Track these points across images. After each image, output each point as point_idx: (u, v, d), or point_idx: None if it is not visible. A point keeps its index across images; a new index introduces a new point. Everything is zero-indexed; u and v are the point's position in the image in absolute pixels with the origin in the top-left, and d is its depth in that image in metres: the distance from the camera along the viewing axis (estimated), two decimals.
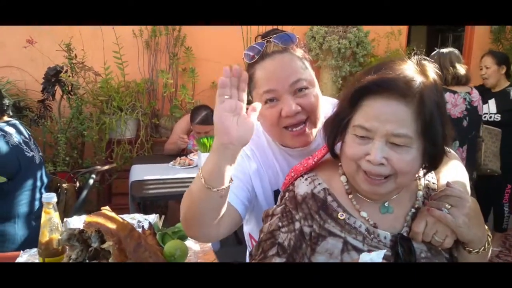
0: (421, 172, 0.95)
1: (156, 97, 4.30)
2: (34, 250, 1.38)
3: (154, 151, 4.12)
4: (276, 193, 1.19)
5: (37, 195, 2.23)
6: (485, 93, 3.34)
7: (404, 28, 4.82)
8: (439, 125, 0.88)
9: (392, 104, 0.85)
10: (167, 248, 1.40)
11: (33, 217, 2.18)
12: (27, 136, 2.27)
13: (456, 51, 2.93)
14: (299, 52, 1.11)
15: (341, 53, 4.20)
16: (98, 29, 3.84)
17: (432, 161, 0.92)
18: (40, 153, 2.36)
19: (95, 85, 3.88)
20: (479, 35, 5.17)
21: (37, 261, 1.35)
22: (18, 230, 2.11)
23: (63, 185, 2.50)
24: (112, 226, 1.11)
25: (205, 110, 3.22)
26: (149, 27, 4.13)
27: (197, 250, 1.53)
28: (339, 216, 0.93)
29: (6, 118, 2.21)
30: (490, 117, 3.33)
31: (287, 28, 1.20)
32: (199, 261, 1.48)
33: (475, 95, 2.88)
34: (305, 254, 0.92)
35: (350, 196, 0.95)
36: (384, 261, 0.86)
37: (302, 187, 0.97)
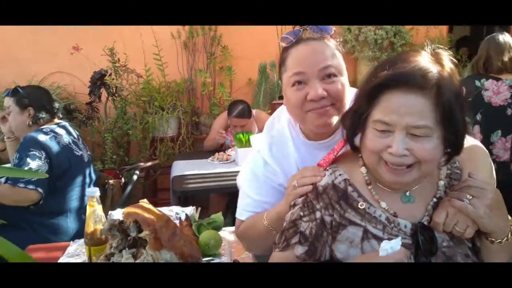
0: (442, 160, 0.95)
1: (196, 95, 4.43)
2: (82, 240, 1.51)
3: (195, 147, 4.26)
4: None
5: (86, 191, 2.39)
6: None
7: None
8: (458, 113, 0.88)
9: (410, 97, 0.85)
10: (202, 237, 1.48)
11: (83, 211, 2.32)
12: (76, 136, 2.44)
13: (507, 37, 2.80)
14: (332, 42, 1.14)
15: (378, 44, 4.13)
16: (137, 32, 4.02)
17: (453, 147, 0.92)
18: (88, 152, 2.53)
19: (138, 87, 4.06)
20: None
21: (84, 250, 1.47)
22: (70, 223, 2.27)
23: (110, 181, 2.66)
24: (148, 216, 1.19)
25: (241, 104, 3.30)
26: (186, 28, 4.26)
27: (231, 240, 1.59)
28: (359, 206, 0.95)
29: (56, 120, 2.39)
30: None
31: None
32: (232, 250, 1.55)
33: None
34: (327, 242, 0.96)
35: (370, 186, 0.97)
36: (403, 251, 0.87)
37: (324, 178, 1.01)
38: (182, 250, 1.26)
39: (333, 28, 1.13)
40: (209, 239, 1.47)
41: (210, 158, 3.24)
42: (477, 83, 2.67)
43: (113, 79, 3.85)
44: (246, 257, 1.51)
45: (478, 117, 2.67)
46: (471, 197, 0.89)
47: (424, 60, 0.89)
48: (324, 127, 1.13)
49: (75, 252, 1.56)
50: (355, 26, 4.13)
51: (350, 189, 0.98)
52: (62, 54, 4.09)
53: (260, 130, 2.44)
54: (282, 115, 1.30)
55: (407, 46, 4.32)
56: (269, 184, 1.25)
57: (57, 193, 2.26)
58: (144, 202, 1.33)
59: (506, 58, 2.70)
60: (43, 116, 2.31)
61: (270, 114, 2.19)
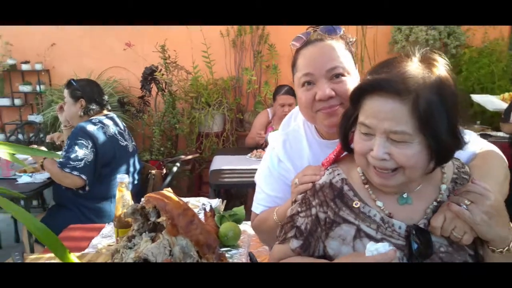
0: (431, 166, 0.92)
1: (241, 93, 4.54)
2: None
3: (239, 144, 4.37)
4: None
5: (130, 180, 2.57)
6: None
7: None
8: (442, 120, 0.86)
9: (388, 102, 0.86)
10: (221, 229, 1.55)
11: None
12: (122, 127, 2.63)
13: None
14: (341, 42, 1.16)
15: (430, 45, 3.98)
16: (187, 30, 4.18)
17: (437, 155, 0.89)
18: (134, 143, 2.71)
19: (186, 83, 4.24)
20: None
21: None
22: (112, 208, 2.45)
23: (152, 171, 2.83)
24: (167, 203, 1.28)
25: (288, 86, 3.45)
26: (235, 26, 4.36)
27: (252, 234, 1.65)
28: (354, 205, 0.97)
29: (105, 111, 2.59)
30: None
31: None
32: (251, 243, 1.61)
33: None
34: (320, 238, 0.99)
35: (367, 186, 0.99)
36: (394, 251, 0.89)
37: (323, 177, 1.04)
38: (198, 238, 1.33)
39: (342, 28, 1.15)
40: (228, 230, 1.54)
41: (249, 154, 3.33)
42: None
43: (162, 74, 4.05)
44: (262, 250, 1.57)
45: None
46: (469, 203, 0.88)
47: (410, 65, 0.89)
48: (334, 127, 1.15)
49: (108, 234, 1.70)
50: (406, 26, 4.00)
51: (346, 188, 1.00)
52: (118, 50, 4.38)
53: None
54: (298, 114, 1.34)
55: (462, 47, 4.13)
56: (282, 181, 1.29)
57: (102, 180, 2.46)
58: (167, 190, 1.43)
59: None
60: (94, 107, 2.51)
61: None
